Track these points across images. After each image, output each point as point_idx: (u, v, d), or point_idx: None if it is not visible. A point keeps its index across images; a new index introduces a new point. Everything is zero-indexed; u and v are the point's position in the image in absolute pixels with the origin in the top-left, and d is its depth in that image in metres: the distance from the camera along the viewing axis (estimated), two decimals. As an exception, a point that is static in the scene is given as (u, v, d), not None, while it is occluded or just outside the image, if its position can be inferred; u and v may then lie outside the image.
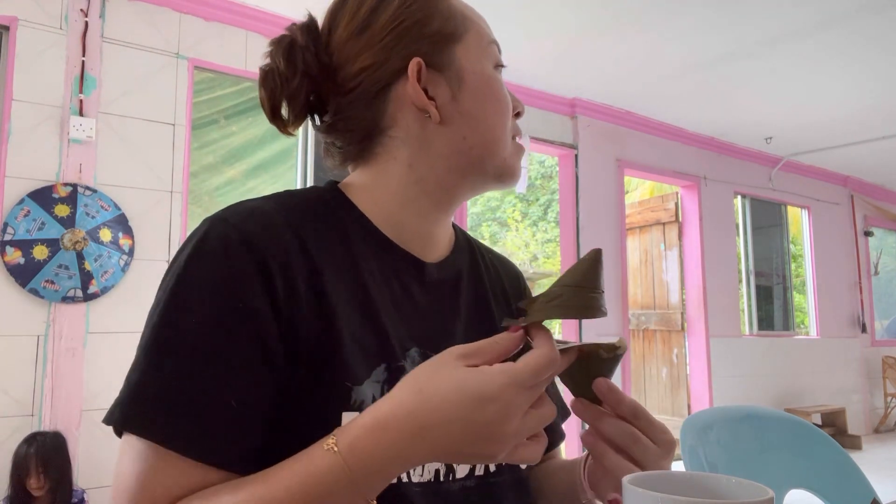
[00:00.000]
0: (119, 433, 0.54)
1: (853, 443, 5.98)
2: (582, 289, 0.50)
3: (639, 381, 6.25)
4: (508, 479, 0.69)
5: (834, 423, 6.23)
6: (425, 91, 0.65)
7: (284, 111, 0.67)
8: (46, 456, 2.54)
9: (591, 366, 0.55)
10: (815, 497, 1.25)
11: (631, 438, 0.56)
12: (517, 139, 0.72)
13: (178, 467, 0.51)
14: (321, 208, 0.65)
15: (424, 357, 0.64)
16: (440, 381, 0.47)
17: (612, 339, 0.56)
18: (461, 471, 0.64)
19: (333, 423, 0.56)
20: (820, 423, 6.16)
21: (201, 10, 3.37)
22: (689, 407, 5.73)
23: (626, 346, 0.56)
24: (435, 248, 0.71)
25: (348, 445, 0.47)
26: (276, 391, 0.55)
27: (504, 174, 0.70)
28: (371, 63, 0.65)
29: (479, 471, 0.66)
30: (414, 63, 0.64)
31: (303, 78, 0.65)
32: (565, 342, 0.53)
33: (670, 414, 5.94)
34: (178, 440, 0.51)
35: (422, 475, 0.62)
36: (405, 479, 0.60)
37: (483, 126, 0.66)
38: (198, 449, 0.51)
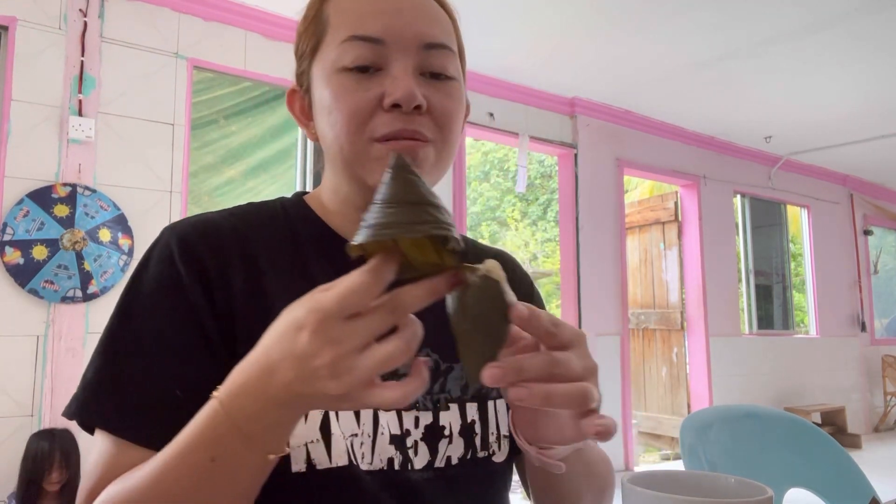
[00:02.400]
0: (88, 429, 0.59)
1: (853, 442, 5.98)
2: (395, 205, 0.42)
3: (639, 381, 6.25)
4: (476, 472, 0.68)
5: (833, 422, 6.23)
6: (309, 111, 0.69)
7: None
8: (68, 450, 2.61)
9: (470, 298, 0.45)
10: (814, 496, 1.25)
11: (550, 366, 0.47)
12: (396, 140, 0.61)
13: (131, 455, 0.55)
14: (274, 216, 0.70)
15: None
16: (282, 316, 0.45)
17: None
18: (419, 461, 0.64)
19: None
20: (819, 422, 6.17)
21: (200, 10, 3.37)
22: (688, 406, 5.74)
23: (498, 272, 0.45)
24: None
25: (226, 389, 0.46)
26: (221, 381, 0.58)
27: (364, 180, 0.63)
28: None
29: (440, 462, 0.66)
30: (288, 91, 0.71)
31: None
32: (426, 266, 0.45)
33: (670, 413, 5.95)
34: (128, 429, 0.56)
35: (371, 462, 0.62)
36: (355, 463, 0.61)
37: (331, 135, 0.64)
38: (146, 437, 0.55)
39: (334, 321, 0.42)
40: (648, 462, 5.69)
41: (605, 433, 0.46)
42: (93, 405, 0.58)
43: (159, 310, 0.59)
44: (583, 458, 0.63)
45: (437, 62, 0.63)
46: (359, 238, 0.42)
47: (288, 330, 0.43)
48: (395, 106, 0.60)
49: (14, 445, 2.66)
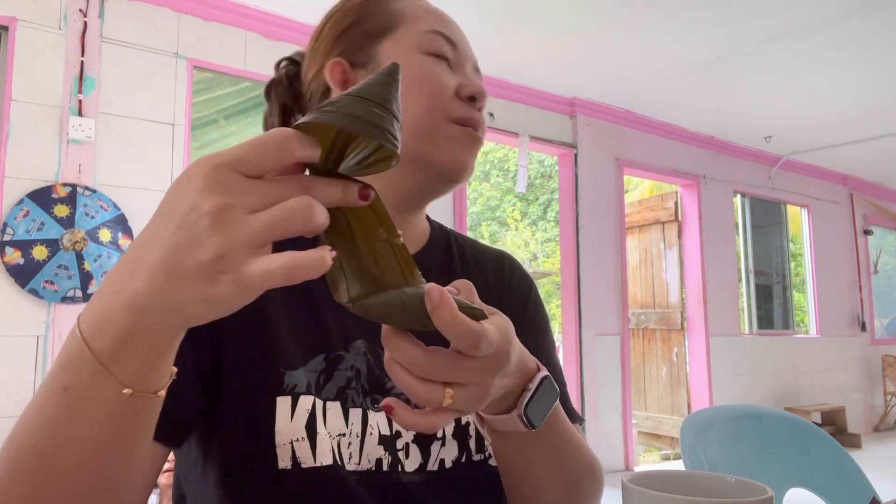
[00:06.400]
0: None
1: (853, 441, 5.99)
2: (366, 101, 0.38)
3: (638, 381, 6.25)
4: (471, 475, 0.66)
5: (833, 422, 6.23)
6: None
7: None
8: None
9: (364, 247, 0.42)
10: (814, 496, 1.25)
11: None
12: (466, 126, 0.68)
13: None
14: None
15: (370, 349, 0.66)
16: None
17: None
18: (410, 464, 0.63)
19: (268, 407, 0.59)
20: (819, 421, 6.17)
21: (200, 10, 3.37)
22: (688, 406, 5.74)
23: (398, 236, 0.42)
24: None
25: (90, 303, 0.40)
26: (200, 363, 0.59)
27: (441, 165, 0.67)
28: (314, 72, 0.72)
29: (433, 465, 0.64)
30: (329, 64, 0.70)
31: (280, 110, 0.75)
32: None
33: (670, 413, 5.95)
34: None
35: (358, 463, 0.61)
36: (340, 463, 0.60)
37: (406, 115, 0.60)
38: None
39: (229, 170, 0.35)
40: (648, 462, 5.69)
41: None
42: None
43: None
44: (547, 446, 0.58)
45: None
46: (305, 118, 0.36)
47: (172, 189, 0.37)
48: (471, 99, 0.69)
49: (14, 445, 2.66)
